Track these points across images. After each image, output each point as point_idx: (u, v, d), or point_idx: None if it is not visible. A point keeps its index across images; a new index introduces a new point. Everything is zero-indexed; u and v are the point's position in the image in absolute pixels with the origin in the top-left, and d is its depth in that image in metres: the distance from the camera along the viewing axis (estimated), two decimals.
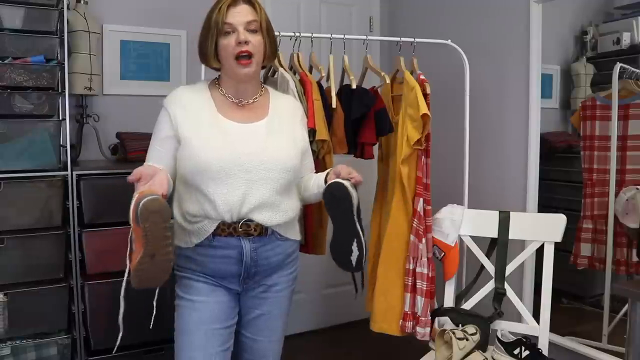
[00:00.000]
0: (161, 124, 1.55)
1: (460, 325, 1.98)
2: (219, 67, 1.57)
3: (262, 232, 1.54)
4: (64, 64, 2.14)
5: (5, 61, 2.06)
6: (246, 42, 1.48)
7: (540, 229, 2.01)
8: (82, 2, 2.37)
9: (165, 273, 1.32)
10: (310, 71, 2.16)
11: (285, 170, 1.53)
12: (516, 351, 1.89)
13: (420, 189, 2.10)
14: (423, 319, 2.07)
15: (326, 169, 1.66)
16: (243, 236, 1.53)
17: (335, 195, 1.48)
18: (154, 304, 1.44)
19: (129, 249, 1.34)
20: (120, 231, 2.18)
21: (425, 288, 2.07)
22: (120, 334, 1.42)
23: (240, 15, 1.49)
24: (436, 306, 2.14)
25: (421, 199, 2.10)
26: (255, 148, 1.51)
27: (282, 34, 2.00)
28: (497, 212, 2.10)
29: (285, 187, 1.56)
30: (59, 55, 2.17)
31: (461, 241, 2.15)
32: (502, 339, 1.95)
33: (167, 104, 1.56)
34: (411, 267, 2.09)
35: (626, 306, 1.88)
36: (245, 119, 1.56)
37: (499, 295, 2.04)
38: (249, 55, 1.49)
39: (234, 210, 1.50)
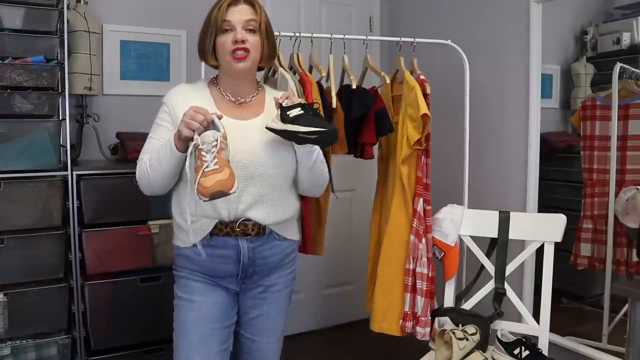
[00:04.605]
0: (160, 118, 1.57)
1: (460, 325, 1.98)
2: (217, 65, 1.58)
3: (260, 231, 1.55)
4: (64, 64, 2.14)
5: (5, 61, 2.06)
6: (243, 41, 1.49)
7: (540, 229, 2.01)
8: (82, 2, 2.38)
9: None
10: (310, 71, 2.16)
11: (280, 166, 1.54)
12: (516, 351, 1.89)
13: (420, 189, 2.10)
14: (423, 319, 2.07)
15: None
16: (241, 236, 1.53)
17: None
18: None
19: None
20: (121, 231, 2.19)
21: (425, 288, 2.07)
22: None
23: (239, 14, 1.50)
24: (436, 306, 2.14)
25: (421, 199, 2.10)
26: (251, 145, 1.51)
27: (282, 34, 2.00)
28: (497, 212, 2.10)
29: (282, 184, 1.57)
30: (59, 55, 2.17)
31: (461, 241, 2.15)
32: (502, 339, 1.95)
33: (166, 99, 1.58)
34: (411, 267, 2.09)
35: (626, 306, 1.87)
36: (242, 116, 1.57)
37: (499, 295, 2.04)
38: (245, 50, 1.50)
39: (231, 208, 1.50)
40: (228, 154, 1.41)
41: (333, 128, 1.47)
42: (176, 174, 1.51)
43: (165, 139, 1.50)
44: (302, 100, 1.53)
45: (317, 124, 1.44)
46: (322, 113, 1.52)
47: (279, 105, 1.49)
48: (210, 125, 1.40)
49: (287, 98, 1.50)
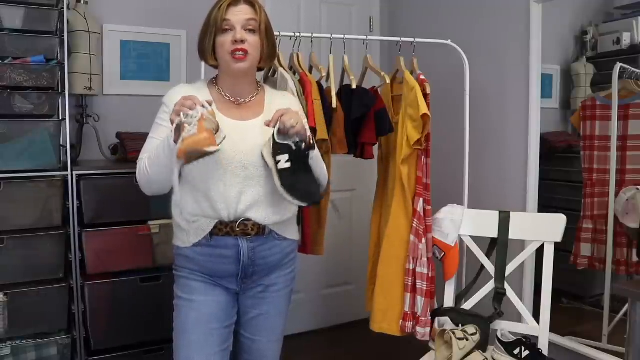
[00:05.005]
0: (160, 119, 1.56)
1: (460, 325, 1.98)
2: (217, 65, 1.58)
3: (260, 231, 1.55)
4: (64, 64, 2.14)
5: (5, 61, 2.06)
6: (242, 41, 1.49)
7: (540, 229, 2.01)
8: (82, 2, 2.38)
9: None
10: (310, 71, 2.16)
11: None
12: (516, 351, 1.89)
13: (420, 189, 2.10)
14: (423, 319, 2.07)
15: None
16: (241, 236, 1.53)
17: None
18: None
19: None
20: (121, 231, 2.19)
21: (425, 288, 2.07)
22: None
23: (240, 13, 1.50)
24: (436, 306, 2.14)
25: (421, 199, 2.10)
26: (251, 145, 1.51)
27: (282, 34, 2.00)
28: (497, 212, 2.10)
29: None
30: (59, 55, 2.18)
31: (461, 241, 2.15)
32: (502, 339, 1.95)
33: (166, 99, 1.57)
34: (411, 267, 2.09)
35: (626, 306, 1.87)
36: (241, 117, 1.57)
37: (499, 295, 2.04)
38: (244, 51, 1.50)
39: (230, 208, 1.50)
40: (221, 135, 1.38)
41: (315, 192, 1.46)
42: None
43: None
44: (295, 135, 1.45)
45: (300, 184, 1.43)
46: (315, 147, 1.48)
47: (272, 127, 1.46)
48: None
49: (280, 117, 1.45)
